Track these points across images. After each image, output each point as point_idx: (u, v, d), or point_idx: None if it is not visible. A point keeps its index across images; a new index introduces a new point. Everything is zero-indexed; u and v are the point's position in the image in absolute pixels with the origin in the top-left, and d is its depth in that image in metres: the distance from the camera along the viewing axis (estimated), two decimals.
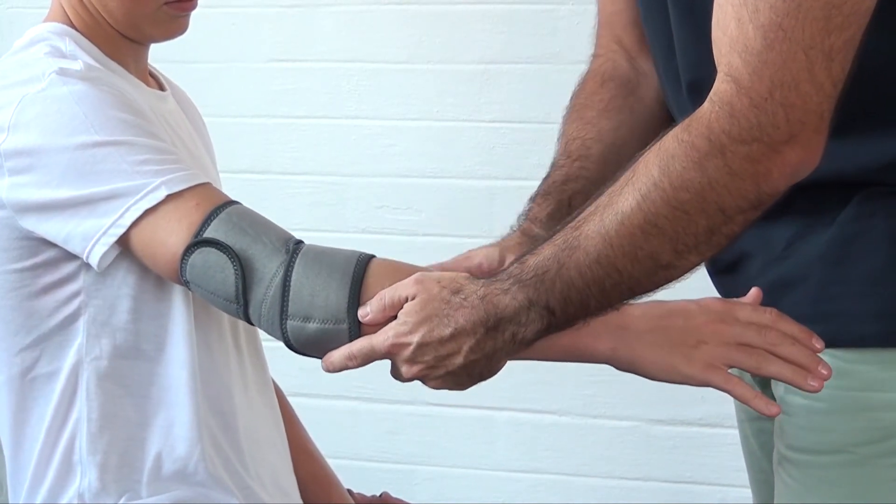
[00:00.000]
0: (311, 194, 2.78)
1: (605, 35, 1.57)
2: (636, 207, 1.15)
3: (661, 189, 1.14)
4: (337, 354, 1.23)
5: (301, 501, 1.52)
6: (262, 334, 1.49)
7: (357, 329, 1.22)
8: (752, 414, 1.50)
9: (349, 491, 1.64)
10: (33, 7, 2.74)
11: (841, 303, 1.30)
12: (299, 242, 1.26)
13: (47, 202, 1.28)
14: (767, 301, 1.34)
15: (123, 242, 1.28)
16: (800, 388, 1.18)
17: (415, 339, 1.20)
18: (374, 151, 2.73)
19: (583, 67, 1.58)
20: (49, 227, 1.30)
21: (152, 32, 1.39)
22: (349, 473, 1.77)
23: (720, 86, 1.14)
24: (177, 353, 1.36)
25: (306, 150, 2.79)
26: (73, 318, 1.35)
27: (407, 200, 2.73)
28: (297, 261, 1.23)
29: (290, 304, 1.22)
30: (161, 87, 1.48)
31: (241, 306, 1.24)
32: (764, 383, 1.38)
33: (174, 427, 1.37)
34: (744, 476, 1.60)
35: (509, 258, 1.38)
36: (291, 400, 1.64)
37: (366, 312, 1.22)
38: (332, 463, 1.65)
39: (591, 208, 1.19)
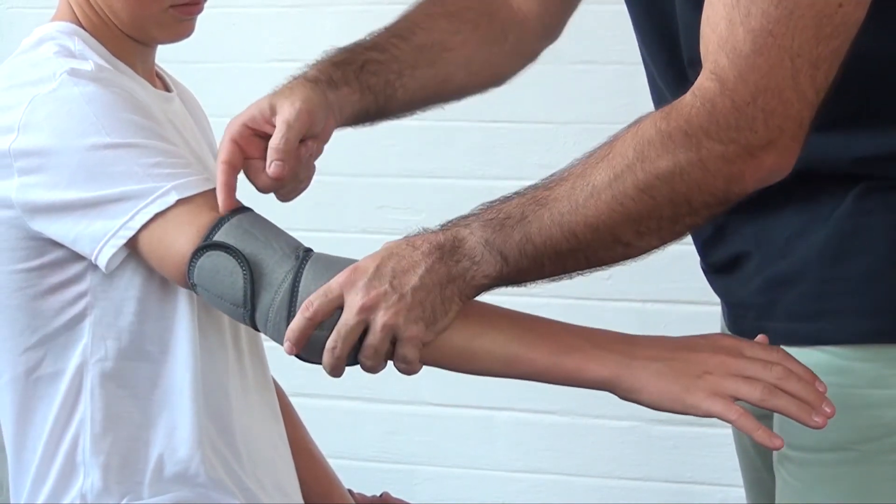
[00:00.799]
0: (312, 194, 2.75)
1: None
2: (607, 183, 1.17)
3: (633, 171, 1.16)
4: (296, 321, 1.20)
5: (302, 502, 1.52)
6: (263, 336, 1.49)
7: (363, 337, 1.22)
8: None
9: (350, 491, 1.64)
10: (34, 7, 2.74)
11: (839, 300, 1.29)
12: (309, 250, 1.26)
13: (57, 203, 1.28)
14: (767, 298, 1.34)
15: (132, 245, 1.29)
16: (804, 424, 1.17)
17: (372, 263, 1.20)
18: (375, 152, 2.74)
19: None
20: (58, 228, 1.30)
21: (157, 35, 1.39)
22: (349, 473, 1.77)
23: (704, 82, 1.15)
24: (180, 356, 1.36)
25: None
26: (78, 319, 1.35)
27: (407, 200, 2.73)
28: (307, 268, 1.23)
29: (297, 310, 1.22)
30: (167, 88, 1.48)
31: (248, 311, 1.24)
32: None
33: (176, 429, 1.37)
34: None
35: (278, 104, 1.35)
36: (292, 400, 1.64)
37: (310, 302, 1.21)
38: (332, 463, 1.65)
39: (564, 174, 1.20)
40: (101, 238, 1.28)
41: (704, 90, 1.15)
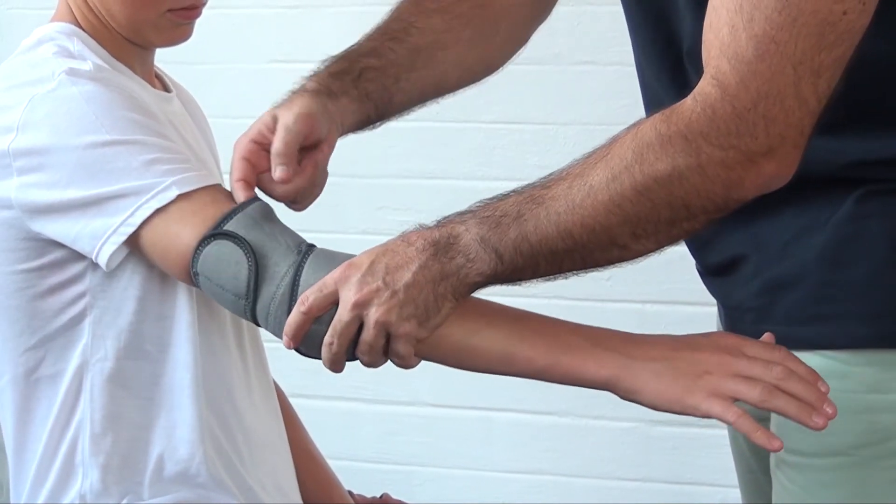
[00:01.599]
0: None
1: None
2: (604, 185, 1.16)
3: (631, 173, 1.16)
4: (292, 316, 1.21)
5: (302, 503, 1.52)
6: (264, 336, 1.49)
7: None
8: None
9: (349, 492, 1.64)
10: (33, 8, 2.74)
11: (838, 304, 1.29)
12: (311, 245, 1.26)
13: (56, 202, 1.28)
14: (765, 302, 1.34)
15: (133, 242, 1.28)
16: (804, 425, 1.17)
17: (366, 260, 1.20)
18: (375, 152, 2.73)
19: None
20: (58, 228, 1.30)
21: (154, 39, 1.39)
22: (349, 474, 1.77)
23: (705, 87, 1.15)
24: (180, 355, 1.36)
25: None
26: (78, 320, 1.35)
27: (407, 201, 2.73)
28: (308, 262, 1.24)
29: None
30: (166, 89, 1.47)
31: (250, 303, 1.24)
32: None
33: (176, 429, 1.37)
34: None
35: (279, 114, 1.35)
36: (291, 401, 1.64)
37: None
38: (331, 464, 1.65)
39: (563, 174, 1.20)
40: (102, 235, 1.28)
41: (705, 95, 1.15)
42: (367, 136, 2.91)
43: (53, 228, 1.30)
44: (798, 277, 1.31)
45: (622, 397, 1.22)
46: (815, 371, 1.19)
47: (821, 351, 1.29)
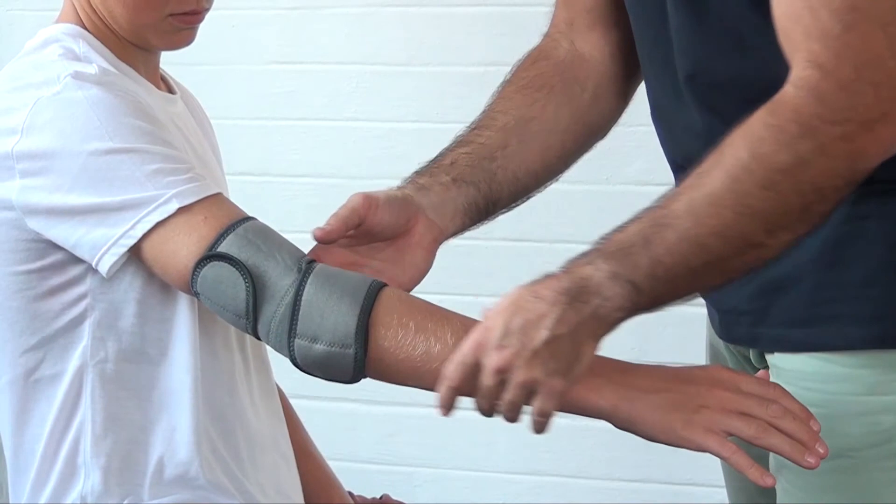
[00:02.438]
0: (311, 196, 2.78)
1: (560, 15, 1.56)
2: (726, 189, 1.15)
3: (751, 171, 1.15)
4: (441, 391, 1.21)
5: None
6: None
7: (363, 355, 1.22)
8: None
9: (350, 493, 1.64)
10: (34, 9, 2.75)
11: (835, 306, 1.29)
12: (312, 261, 1.26)
13: (58, 207, 1.28)
14: (760, 305, 1.33)
15: (134, 252, 1.29)
16: (797, 464, 1.17)
17: (500, 321, 1.16)
18: (374, 153, 2.74)
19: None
20: (58, 232, 1.30)
21: (156, 42, 1.39)
22: (349, 476, 1.77)
23: (802, 73, 1.15)
24: (181, 358, 1.36)
25: (306, 152, 2.80)
26: (78, 321, 1.35)
27: None
28: (310, 280, 1.23)
29: (299, 323, 1.22)
30: (171, 90, 1.47)
31: (251, 322, 1.24)
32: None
33: (177, 431, 1.37)
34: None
35: (383, 204, 1.37)
36: (292, 402, 1.64)
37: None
38: (332, 465, 1.65)
39: (677, 190, 1.18)
40: (102, 246, 1.28)
41: (805, 79, 1.14)
42: (367, 137, 2.92)
43: (53, 232, 1.30)
44: (794, 279, 1.31)
45: (617, 426, 1.21)
46: (807, 409, 1.19)
47: (819, 353, 1.29)
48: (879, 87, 1.13)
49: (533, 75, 1.51)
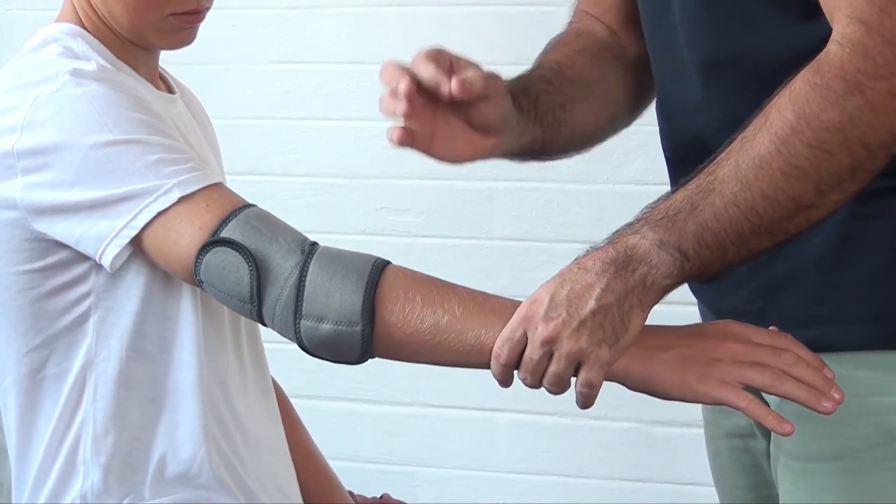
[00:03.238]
0: (311, 196, 2.79)
1: (583, 8, 1.56)
2: (775, 151, 1.15)
3: (799, 132, 1.15)
4: (494, 369, 1.20)
5: None
6: (264, 337, 1.49)
7: (370, 332, 1.22)
8: (727, 430, 1.48)
9: (350, 493, 1.64)
10: (34, 9, 2.75)
11: (837, 305, 1.29)
12: (315, 244, 1.26)
13: (61, 204, 1.28)
14: (758, 305, 1.33)
15: (136, 243, 1.29)
16: (813, 409, 1.16)
17: (547, 294, 1.17)
18: (374, 153, 2.74)
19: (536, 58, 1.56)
20: (62, 229, 1.30)
21: (156, 42, 1.39)
22: (350, 475, 1.77)
23: (846, 29, 1.15)
24: (183, 356, 1.36)
25: (306, 151, 2.80)
26: (82, 320, 1.35)
27: (407, 202, 2.73)
28: (313, 261, 1.23)
29: (304, 304, 1.22)
30: (170, 90, 1.48)
31: (255, 306, 1.24)
32: None
33: (178, 429, 1.37)
34: None
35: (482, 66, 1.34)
36: (292, 401, 1.64)
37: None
38: (332, 464, 1.65)
39: (722, 154, 1.18)
40: (105, 238, 1.28)
41: (849, 35, 1.14)
42: (368, 136, 2.92)
43: (57, 229, 1.30)
44: (794, 279, 1.31)
45: (631, 388, 1.21)
46: (820, 358, 1.19)
47: (820, 353, 1.29)
48: None
49: (584, 44, 1.51)
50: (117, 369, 1.35)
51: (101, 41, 1.38)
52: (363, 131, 2.75)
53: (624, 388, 1.23)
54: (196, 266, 1.26)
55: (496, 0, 2.66)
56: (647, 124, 1.48)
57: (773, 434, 1.36)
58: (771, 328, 1.23)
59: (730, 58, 1.30)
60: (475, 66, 1.34)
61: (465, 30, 2.66)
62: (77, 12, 1.39)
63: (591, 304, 1.15)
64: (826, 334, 1.28)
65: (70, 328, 1.35)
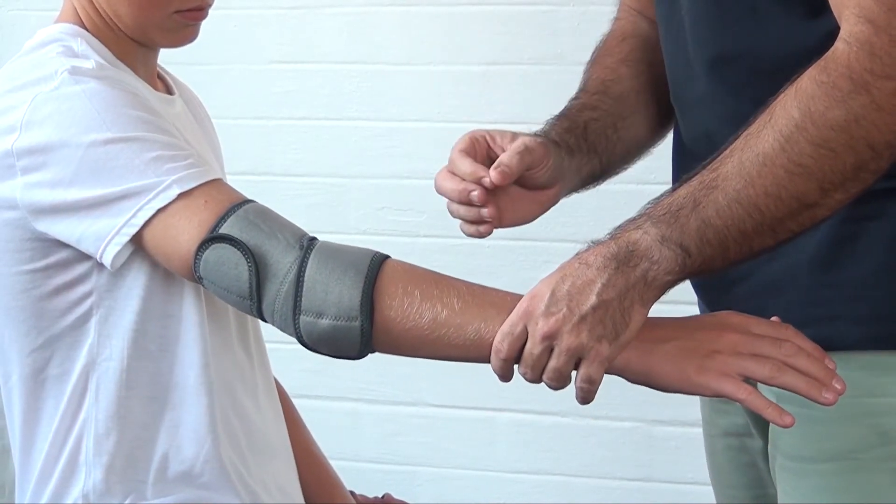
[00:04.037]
0: (312, 196, 2.79)
1: (627, 2, 1.57)
2: (779, 148, 1.15)
3: (803, 129, 1.14)
4: (495, 365, 1.20)
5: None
6: (265, 335, 1.49)
7: (369, 327, 1.22)
8: (724, 428, 1.48)
9: (351, 492, 1.64)
10: (35, 9, 2.75)
11: (833, 306, 1.29)
12: (313, 239, 1.26)
13: (61, 202, 1.28)
14: (754, 305, 1.33)
15: (137, 241, 1.29)
16: (814, 401, 1.16)
17: (547, 289, 1.17)
18: (375, 153, 2.74)
19: (584, 69, 1.57)
20: (62, 228, 1.30)
21: (160, 40, 1.39)
22: (351, 475, 1.77)
23: (853, 28, 1.14)
24: (186, 355, 1.36)
25: (307, 151, 2.80)
26: (84, 319, 1.35)
27: (408, 202, 2.73)
28: (312, 256, 1.23)
29: (303, 299, 1.22)
30: (169, 90, 1.48)
31: (255, 302, 1.24)
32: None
33: (181, 428, 1.37)
34: None
35: (525, 139, 1.37)
36: (294, 401, 1.64)
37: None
38: (334, 464, 1.65)
39: (725, 151, 1.18)
40: (105, 236, 1.28)
41: (857, 34, 1.14)
42: (368, 136, 2.92)
43: (58, 228, 1.30)
44: (791, 279, 1.30)
45: (630, 380, 1.21)
46: (821, 348, 1.19)
47: None
48: None
49: (627, 50, 1.51)
50: (119, 369, 1.35)
51: (101, 41, 1.38)
52: (364, 131, 2.75)
53: (625, 387, 1.22)
54: (195, 263, 1.26)
55: (496, 0, 2.66)
56: None
57: (770, 434, 1.36)
58: (773, 319, 1.23)
59: (735, 54, 1.30)
60: (510, 137, 1.36)
61: (465, 30, 2.66)
62: (77, 13, 1.39)
63: (592, 299, 1.15)
64: (821, 334, 1.27)
65: (72, 328, 1.35)
